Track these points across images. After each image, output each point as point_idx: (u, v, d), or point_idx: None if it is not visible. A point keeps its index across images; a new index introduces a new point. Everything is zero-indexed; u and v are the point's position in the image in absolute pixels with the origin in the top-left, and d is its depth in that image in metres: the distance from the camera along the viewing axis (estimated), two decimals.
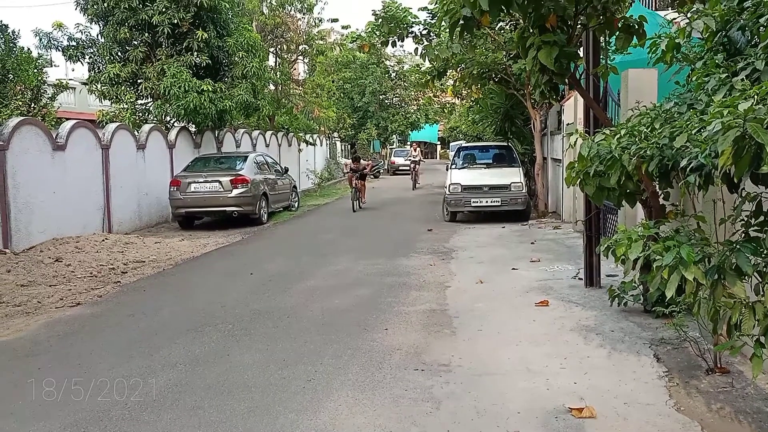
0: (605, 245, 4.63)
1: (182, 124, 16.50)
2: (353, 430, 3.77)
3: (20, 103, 15.42)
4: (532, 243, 10.51)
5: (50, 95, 17.07)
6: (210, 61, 15.63)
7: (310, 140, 26.16)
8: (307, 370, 4.80)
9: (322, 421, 3.90)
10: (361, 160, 18.24)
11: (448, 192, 14.04)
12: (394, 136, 41.02)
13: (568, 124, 11.64)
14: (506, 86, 14.86)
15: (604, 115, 6.73)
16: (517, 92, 14.69)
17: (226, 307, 6.84)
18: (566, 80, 6.12)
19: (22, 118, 11.33)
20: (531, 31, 5.68)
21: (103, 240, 10.95)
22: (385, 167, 38.57)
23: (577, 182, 5.44)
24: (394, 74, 37.66)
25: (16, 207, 10.11)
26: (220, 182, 13.66)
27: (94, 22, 16.01)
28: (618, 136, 4.90)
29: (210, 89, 15.15)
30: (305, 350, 5.27)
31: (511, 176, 13.86)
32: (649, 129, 4.69)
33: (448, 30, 6.25)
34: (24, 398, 4.43)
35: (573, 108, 11.09)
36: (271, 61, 23.41)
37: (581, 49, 7.21)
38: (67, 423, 3.96)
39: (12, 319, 6.52)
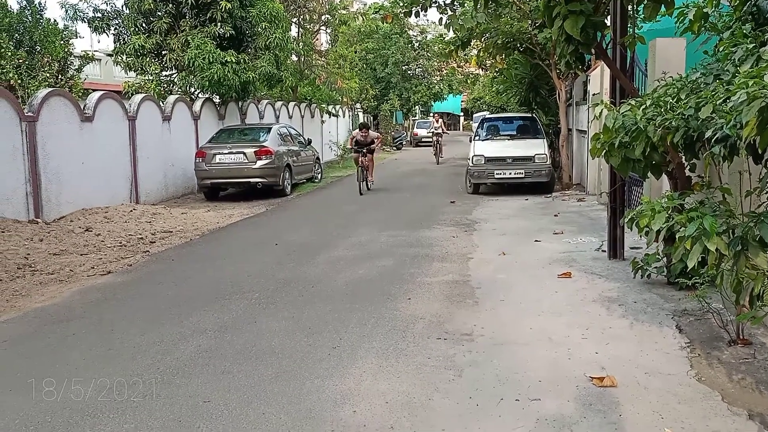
0: (629, 217, 4.63)
1: (206, 96, 16.61)
2: (377, 395, 3.87)
3: (48, 74, 15.64)
4: (555, 215, 10.48)
5: (77, 67, 17.27)
6: (233, 32, 15.66)
7: (333, 111, 26.14)
8: (332, 337, 4.91)
9: (347, 387, 4.00)
10: (370, 131, 15.74)
11: (471, 163, 14.00)
12: (416, 107, 40.75)
13: (594, 95, 11.49)
14: (531, 56, 14.67)
15: (631, 86, 6.65)
16: (542, 62, 14.49)
17: (252, 277, 6.98)
18: (592, 50, 6.06)
19: (51, 89, 11.51)
20: (557, 0, 5.62)
21: (131, 210, 11.17)
22: (408, 139, 38.44)
23: (602, 154, 5.42)
24: (417, 44, 37.26)
25: (47, 177, 10.34)
26: (244, 153, 13.78)
27: None
28: (643, 107, 4.86)
29: (233, 60, 15.19)
30: (330, 318, 5.38)
31: (535, 148, 13.75)
32: (675, 100, 4.64)
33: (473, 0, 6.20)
34: (61, 362, 4.61)
35: (599, 78, 10.93)
36: (294, 31, 23.33)
37: (608, 18, 7.09)
38: (102, 386, 4.12)
39: (46, 286, 6.73)
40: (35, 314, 5.83)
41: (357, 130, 15.42)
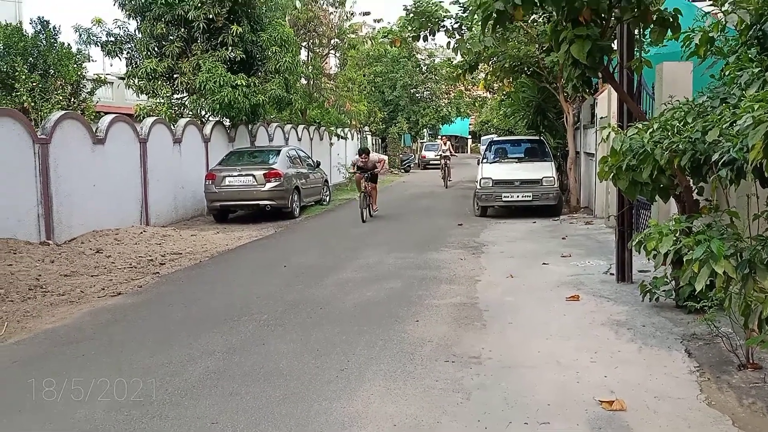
0: (636, 240, 4.64)
1: (217, 119, 16.80)
2: (385, 418, 3.86)
3: (61, 97, 15.90)
4: (563, 238, 10.48)
5: (89, 90, 17.55)
6: (244, 56, 15.86)
7: (342, 134, 26.32)
8: (340, 359, 4.91)
9: (355, 409, 4.00)
10: (371, 154, 14.72)
11: (479, 186, 14.03)
12: (425, 130, 40.97)
13: (601, 118, 11.54)
14: (538, 79, 14.77)
15: (638, 109, 6.69)
16: (550, 85, 14.59)
17: (261, 299, 7.00)
18: (599, 74, 6.11)
19: (64, 112, 11.68)
20: (564, 24, 5.69)
21: (142, 232, 11.25)
22: (416, 161, 38.59)
23: (610, 177, 5.45)
24: (425, 68, 37.57)
25: (58, 199, 10.44)
26: (254, 176, 13.88)
27: (131, 18, 16.36)
28: (651, 130, 4.90)
29: (244, 84, 15.38)
30: (338, 340, 5.39)
31: (543, 171, 13.78)
32: (682, 123, 4.68)
33: (480, 24, 6.27)
34: (70, 383, 4.63)
35: (607, 101, 11.00)
36: (304, 55, 23.60)
37: (615, 42, 7.16)
38: (111, 407, 4.14)
39: (57, 307, 6.78)
40: (46, 335, 5.86)
41: (357, 156, 14.60)
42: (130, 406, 4.15)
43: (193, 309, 6.72)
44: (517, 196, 13.56)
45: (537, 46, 13.70)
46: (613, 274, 7.27)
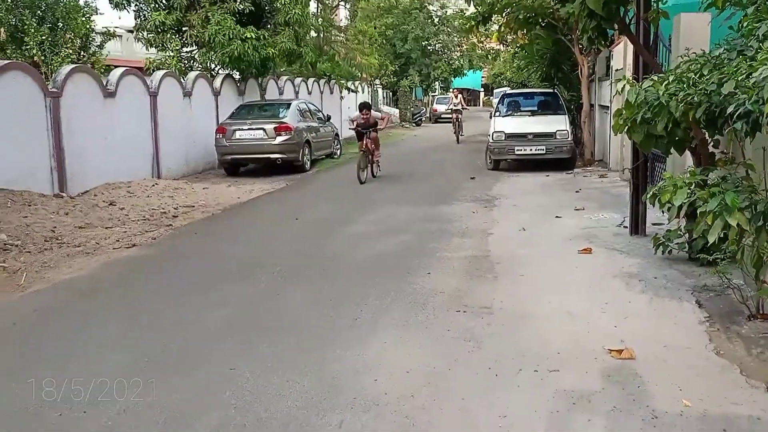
0: (651, 192, 4.63)
1: (227, 72, 16.66)
2: (398, 365, 3.94)
3: (70, 51, 15.78)
4: (577, 191, 10.44)
5: (99, 43, 17.40)
6: (253, 8, 15.63)
7: (352, 87, 26.05)
8: (353, 310, 4.98)
9: (369, 357, 4.08)
10: (373, 111, 13.27)
11: (491, 140, 13.93)
12: (436, 83, 40.47)
13: (617, 70, 11.35)
14: (553, 31, 14.47)
15: (654, 61, 6.58)
16: (565, 37, 14.30)
17: (274, 251, 7.08)
18: (615, 25, 5.99)
19: (74, 65, 11.63)
20: None
21: (154, 185, 11.32)
22: (428, 115, 38.27)
23: (625, 129, 5.39)
24: (437, 19, 36.87)
25: (70, 153, 10.49)
26: (264, 129, 13.83)
27: None
28: (666, 82, 4.82)
29: (253, 36, 15.19)
30: (350, 292, 5.46)
31: (557, 124, 13.63)
32: (698, 75, 4.60)
33: None
34: (92, 332, 4.75)
35: (622, 53, 10.78)
36: (313, 7, 23.20)
37: None
38: (131, 355, 4.25)
39: (73, 258, 6.89)
40: (64, 285, 5.98)
41: (357, 112, 13.12)
42: (150, 354, 4.25)
43: (207, 261, 6.81)
44: (530, 150, 13.46)
45: None
46: (626, 227, 7.26)
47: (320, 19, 22.41)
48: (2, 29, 15.44)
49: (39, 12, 15.86)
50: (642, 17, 6.53)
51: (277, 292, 5.57)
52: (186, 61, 16.82)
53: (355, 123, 12.91)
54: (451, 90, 38.36)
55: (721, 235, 3.82)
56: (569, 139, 13.52)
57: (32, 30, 15.06)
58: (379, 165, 13.18)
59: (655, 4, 6.57)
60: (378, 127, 12.84)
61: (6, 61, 10.33)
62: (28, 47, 15.12)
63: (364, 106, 13.02)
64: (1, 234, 7.15)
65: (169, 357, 4.20)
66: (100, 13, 18.34)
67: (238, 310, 5.12)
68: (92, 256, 7.01)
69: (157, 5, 15.98)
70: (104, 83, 11.77)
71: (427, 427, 3.25)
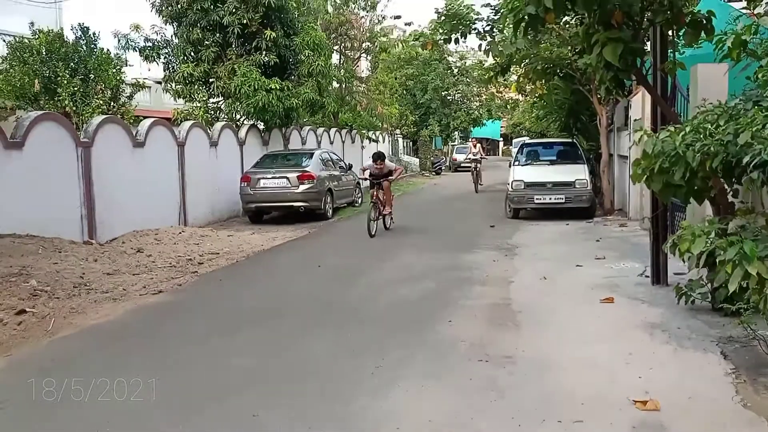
0: (671, 242, 4.66)
1: (251, 122, 17.08)
2: (420, 414, 3.95)
3: (101, 101, 16.31)
4: (597, 240, 10.43)
5: (128, 94, 17.97)
6: (277, 60, 16.11)
7: (373, 137, 26.46)
8: (375, 359, 5.00)
9: (391, 407, 4.09)
10: (387, 161, 12.63)
11: (510, 189, 14.02)
12: (456, 132, 40.92)
13: (635, 120, 11.46)
14: (571, 81, 14.68)
15: (671, 112, 6.67)
16: (583, 87, 14.49)
17: (297, 298, 7.16)
18: (632, 76, 6.11)
19: (105, 116, 12.04)
20: (596, 27, 5.72)
21: (180, 233, 11.54)
22: (447, 164, 38.59)
23: (644, 179, 5.46)
24: (456, 70, 37.54)
25: (100, 201, 10.77)
26: (287, 178, 14.09)
27: (168, 23, 16.76)
28: (683, 133, 4.90)
29: (278, 87, 15.63)
30: (373, 340, 5.50)
31: (576, 173, 13.71)
32: (714, 126, 4.68)
33: (512, 27, 6.33)
34: (119, 376, 4.82)
35: (641, 103, 10.91)
36: (336, 58, 23.84)
37: (648, 43, 7.14)
38: (157, 399, 4.31)
39: (101, 304, 7.02)
40: (91, 331, 6.10)
41: (371, 162, 12.50)
42: (176, 399, 4.31)
43: (231, 307, 6.91)
44: (550, 199, 13.51)
45: (569, 48, 13.63)
46: (648, 277, 7.23)
47: (342, 70, 23.01)
48: (36, 81, 16.07)
49: (72, 64, 16.50)
50: (659, 68, 6.66)
51: (300, 339, 5.62)
52: (212, 112, 17.29)
53: (367, 172, 12.55)
54: (470, 139, 38.76)
55: (743, 285, 3.83)
56: (588, 188, 13.56)
57: (65, 81, 15.64)
58: (392, 217, 12.55)
59: (671, 55, 6.69)
60: (391, 177, 12.27)
61: (41, 112, 10.75)
62: (60, 98, 15.67)
63: (377, 157, 12.39)
64: (32, 280, 7.32)
65: (193, 402, 4.25)
66: (130, 65, 19.03)
67: (261, 356, 5.17)
68: (119, 302, 7.14)
69: (185, 58, 16.56)
70: (134, 133, 12.13)
71: None
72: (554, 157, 15.28)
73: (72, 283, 7.59)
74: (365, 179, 12.41)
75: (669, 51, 6.77)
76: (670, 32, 6.59)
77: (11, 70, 16.36)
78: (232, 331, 5.91)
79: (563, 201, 13.44)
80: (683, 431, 3.58)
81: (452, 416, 3.91)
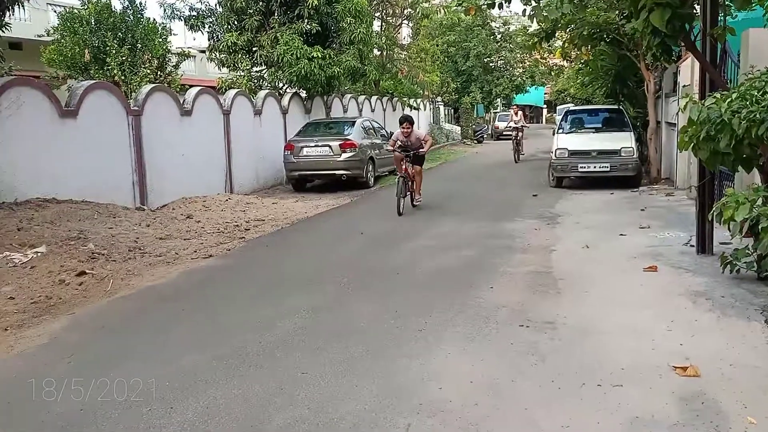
0: (715, 210, 4.63)
1: (294, 90, 17.24)
2: (462, 375, 4.08)
3: (148, 71, 16.71)
4: (642, 209, 10.31)
5: (174, 63, 18.32)
6: (319, 28, 16.17)
7: (414, 105, 26.38)
8: (418, 321, 5.15)
9: (433, 366, 4.24)
10: (415, 128, 11.21)
11: (554, 157, 13.89)
12: (498, 99, 40.39)
13: (684, 86, 11.18)
14: (618, 47, 14.34)
15: (720, 78, 6.52)
16: (630, 53, 14.15)
17: (341, 263, 7.34)
18: (680, 42, 5.99)
19: (154, 85, 12.34)
20: None
21: (227, 200, 11.87)
22: (489, 132, 38.21)
23: (690, 147, 5.40)
24: (499, 36, 36.90)
25: (150, 168, 11.13)
26: (330, 147, 14.25)
27: None
28: (729, 99, 4.82)
29: (319, 56, 15.71)
30: (415, 303, 5.63)
31: (622, 141, 13.47)
32: (761, 93, 4.59)
33: None
34: (174, 334, 5.11)
35: (690, 69, 10.63)
36: (377, 26, 23.71)
37: (697, 7, 6.95)
38: (212, 356, 4.55)
39: (155, 267, 7.35)
40: (148, 292, 6.41)
41: (398, 130, 11.12)
42: (229, 355, 4.55)
43: (278, 271, 7.15)
44: (594, 167, 13.34)
45: (617, 12, 13.29)
46: (693, 246, 7.17)
47: (383, 38, 22.90)
48: (87, 50, 16.51)
49: (120, 34, 16.90)
50: (708, 34, 6.50)
51: (345, 302, 5.80)
52: (255, 81, 17.51)
53: (395, 143, 11.01)
54: (511, 106, 38.25)
55: None
56: (635, 156, 13.33)
57: (113, 51, 16.05)
58: (420, 193, 11.36)
59: (722, 20, 6.50)
60: (422, 150, 10.89)
61: (93, 81, 11.08)
62: (109, 67, 16.12)
63: (405, 119, 10.99)
64: (90, 243, 7.68)
65: (245, 359, 4.48)
66: (174, 34, 19.34)
67: (307, 317, 5.37)
68: (172, 265, 7.46)
69: (229, 27, 16.74)
70: (181, 102, 12.41)
71: None
72: (599, 125, 15.03)
73: (127, 247, 7.93)
74: (393, 150, 11.04)
75: (720, 15, 6.59)
76: None
77: (62, 41, 16.85)
78: (278, 293, 6.14)
79: (608, 169, 13.25)
80: (723, 398, 3.61)
81: (493, 378, 4.03)
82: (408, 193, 10.87)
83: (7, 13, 9.52)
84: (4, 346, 4.91)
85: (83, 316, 5.63)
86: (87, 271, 6.72)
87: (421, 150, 10.83)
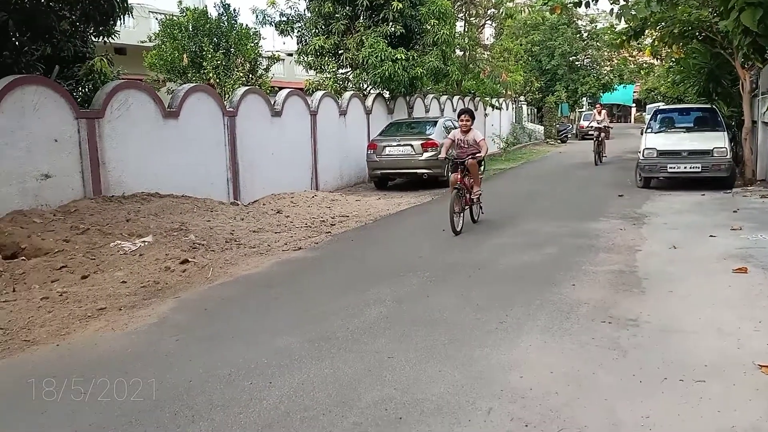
0: None
1: (378, 91, 17.62)
2: (542, 366, 4.21)
3: (240, 74, 17.54)
4: (734, 211, 9.98)
5: (265, 66, 19.12)
6: (403, 30, 16.45)
7: (496, 104, 26.25)
8: (499, 314, 5.30)
9: (514, 357, 4.39)
10: (473, 129, 9.32)
11: (641, 157, 13.56)
12: (584, 98, 39.46)
13: None
14: (711, 45, 13.86)
15: None
16: (724, 51, 13.63)
17: (423, 258, 7.57)
18: None
19: (248, 87, 12.99)
20: None
21: (313, 196, 12.36)
22: (574, 132, 37.43)
23: None
24: (585, 34, 36.05)
25: (243, 166, 11.75)
26: (411, 146, 14.51)
27: None
28: None
29: (403, 57, 16.01)
30: (496, 298, 5.78)
31: (714, 141, 12.99)
32: None
33: None
34: (270, 318, 5.49)
35: None
36: (460, 26, 23.75)
37: None
38: (305, 338, 4.89)
39: (250, 257, 7.83)
40: (244, 279, 6.87)
41: (455, 130, 9.78)
42: (320, 338, 4.87)
43: (363, 264, 7.46)
44: (684, 168, 12.94)
45: (710, 10, 12.85)
46: None
47: (466, 38, 22.93)
48: (185, 55, 17.51)
49: (215, 39, 17.80)
50: None
51: (428, 294, 6.02)
52: (341, 82, 18.03)
53: (449, 149, 9.42)
54: (595, 105, 37.29)
55: None
56: (728, 156, 12.83)
57: (209, 55, 16.94)
58: (481, 204, 9.87)
59: None
60: (478, 155, 9.21)
61: (193, 84, 11.82)
62: (205, 71, 17.01)
63: (465, 111, 9.41)
64: (190, 234, 8.26)
65: (335, 342, 4.78)
66: (263, 38, 20.19)
67: (392, 307, 5.63)
68: (265, 256, 7.92)
69: (317, 31, 17.32)
70: (272, 103, 13.01)
71: (571, 419, 3.50)
72: (691, 124, 14.54)
73: (224, 239, 8.47)
74: (446, 158, 9.40)
75: None
76: None
77: (163, 46, 17.93)
78: (364, 284, 6.43)
79: (699, 170, 12.82)
80: None
81: (574, 370, 4.13)
82: (467, 206, 9.37)
83: (118, 22, 10.32)
84: (120, 324, 5.44)
85: (187, 300, 6.12)
86: (189, 260, 7.25)
87: (477, 154, 9.18)
